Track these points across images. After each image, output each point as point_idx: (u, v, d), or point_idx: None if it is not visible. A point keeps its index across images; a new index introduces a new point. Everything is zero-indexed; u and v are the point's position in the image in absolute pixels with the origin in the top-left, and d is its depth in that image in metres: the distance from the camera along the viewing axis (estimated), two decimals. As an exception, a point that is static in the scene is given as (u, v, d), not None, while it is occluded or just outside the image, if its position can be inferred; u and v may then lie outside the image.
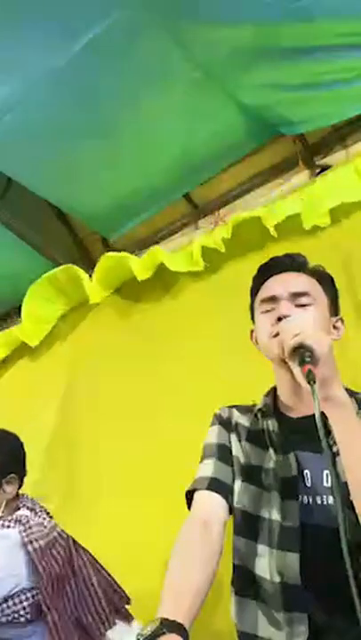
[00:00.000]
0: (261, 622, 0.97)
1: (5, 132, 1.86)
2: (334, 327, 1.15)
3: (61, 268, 2.38)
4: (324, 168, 2.07)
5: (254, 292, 1.20)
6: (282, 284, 1.13)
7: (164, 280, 2.25)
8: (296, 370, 0.91)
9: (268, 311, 1.12)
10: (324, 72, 1.66)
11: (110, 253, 2.28)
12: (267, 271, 1.19)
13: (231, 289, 2.04)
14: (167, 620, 0.81)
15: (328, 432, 0.93)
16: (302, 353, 0.89)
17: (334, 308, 1.17)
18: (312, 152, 2.12)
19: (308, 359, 0.88)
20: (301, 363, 0.88)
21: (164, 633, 0.78)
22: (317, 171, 2.09)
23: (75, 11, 1.53)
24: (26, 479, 2.34)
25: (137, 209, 2.33)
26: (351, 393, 1.06)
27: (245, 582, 1.02)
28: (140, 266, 2.20)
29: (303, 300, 1.09)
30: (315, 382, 0.85)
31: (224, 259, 2.15)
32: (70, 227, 2.69)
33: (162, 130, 1.96)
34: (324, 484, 1.01)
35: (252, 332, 1.21)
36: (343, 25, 1.52)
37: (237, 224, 2.04)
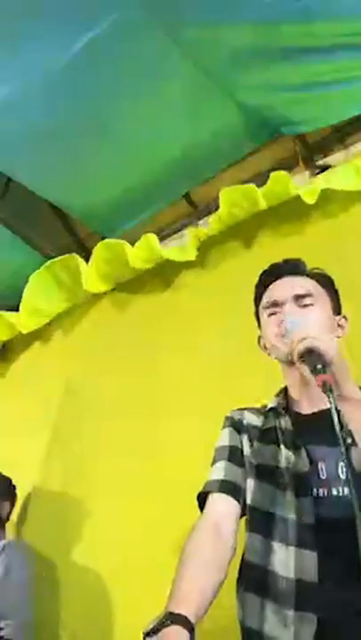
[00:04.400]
0: (268, 620, 0.96)
1: (5, 132, 1.87)
2: (339, 325, 1.18)
3: (62, 257, 2.35)
4: (324, 168, 2.07)
5: (258, 298, 1.24)
6: (284, 287, 1.17)
7: (163, 275, 2.25)
8: (306, 371, 0.94)
9: (273, 314, 1.15)
10: (324, 72, 1.66)
11: (106, 240, 2.26)
12: (268, 277, 1.23)
13: (231, 284, 2.05)
14: (173, 613, 0.81)
15: (342, 426, 0.94)
16: (313, 360, 0.92)
17: (337, 308, 1.20)
18: (312, 152, 2.12)
19: (319, 368, 0.91)
20: (313, 371, 0.91)
21: (168, 625, 0.78)
22: (317, 171, 2.09)
23: (75, 11, 1.53)
24: (26, 479, 2.36)
25: (137, 209, 2.32)
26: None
27: (256, 579, 1.02)
28: (135, 254, 2.19)
29: (306, 301, 1.13)
30: (332, 391, 0.88)
31: (224, 255, 2.15)
32: (70, 226, 2.69)
33: (162, 130, 1.96)
34: (340, 475, 1.01)
35: (259, 338, 1.24)
36: (343, 25, 1.52)
37: (228, 202, 2.05)
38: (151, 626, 0.79)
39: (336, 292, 1.22)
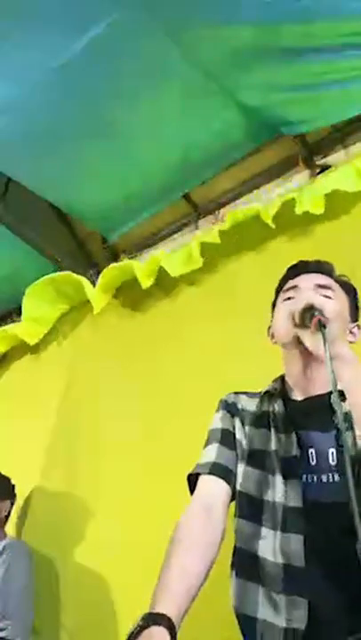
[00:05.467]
0: (261, 605, 0.96)
1: (6, 132, 1.87)
2: (351, 332, 1.18)
3: (62, 274, 2.38)
4: (324, 168, 2.07)
5: (279, 289, 1.24)
6: (307, 279, 1.18)
7: (163, 281, 2.25)
8: (306, 334, 1.00)
9: (289, 299, 1.16)
10: (324, 72, 1.66)
11: (114, 265, 2.29)
12: (294, 270, 1.23)
13: (232, 287, 2.04)
14: (152, 613, 0.81)
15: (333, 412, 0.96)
16: (312, 312, 0.97)
17: (354, 315, 1.21)
18: (312, 152, 2.12)
19: (317, 313, 0.96)
20: (311, 318, 0.97)
21: (147, 626, 0.78)
22: (317, 171, 2.08)
23: (75, 11, 1.53)
24: (26, 479, 2.36)
25: (137, 209, 2.32)
26: None
27: (247, 565, 1.02)
28: (143, 273, 2.20)
29: (326, 292, 1.13)
30: (325, 327, 0.93)
31: (222, 258, 2.15)
32: (70, 227, 2.69)
33: (162, 130, 1.96)
34: (330, 461, 1.01)
35: (269, 328, 1.24)
36: (343, 25, 1.52)
37: (235, 220, 2.05)
38: (132, 629, 0.79)
39: (357, 301, 1.23)
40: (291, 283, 1.20)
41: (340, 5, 1.48)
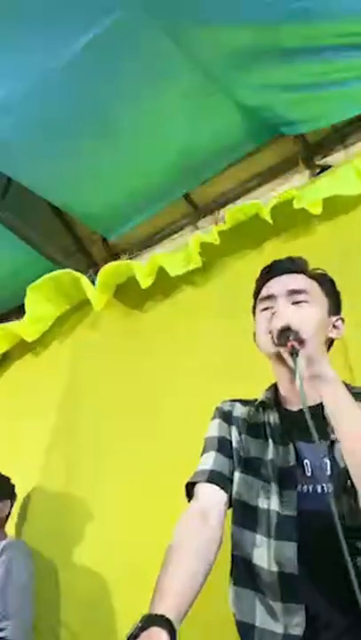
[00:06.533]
0: (259, 612, 0.98)
1: (5, 132, 1.87)
2: (334, 326, 1.17)
3: (62, 271, 2.38)
4: (324, 168, 2.07)
5: (256, 293, 1.24)
6: (280, 283, 1.17)
7: (163, 281, 2.25)
8: (286, 354, 0.98)
9: (266, 309, 1.15)
10: (324, 72, 1.66)
11: (112, 263, 2.29)
12: (268, 273, 1.22)
13: (230, 290, 2.04)
14: (152, 615, 0.81)
15: (327, 423, 0.98)
16: (287, 334, 0.97)
17: (334, 309, 1.19)
18: (312, 152, 2.12)
19: (291, 337, 0.96)
20: (288, 340, 0.96)
21: (147, 627, 0.78)
22: (317, 171, 2.09)
23: (75, 11, 1.53)
24: (26, 479, 2.36)
25: (137, 209, 2.32)
26: (351, 388, 1.08)
27: (243, 572, 1.03)
28: (143, 273, 2.20)
29: (300, 298, 1.12)
30: (297, 355, 0.93)
31: (222, 257, 2.15)
32: (70, 227, 2.69)
33: (162, 130, 1.96)
34: (326, 472, 1.02)
35: (254, 334, 1.22)
36: (343, 25, 1.52)
37: (234, 220, 2.05)
38: (131, 630, 0.79)
39: (336, 293, 1.21)
40: (266, 290, 1.18)
41: (340, 5, 1.48)
